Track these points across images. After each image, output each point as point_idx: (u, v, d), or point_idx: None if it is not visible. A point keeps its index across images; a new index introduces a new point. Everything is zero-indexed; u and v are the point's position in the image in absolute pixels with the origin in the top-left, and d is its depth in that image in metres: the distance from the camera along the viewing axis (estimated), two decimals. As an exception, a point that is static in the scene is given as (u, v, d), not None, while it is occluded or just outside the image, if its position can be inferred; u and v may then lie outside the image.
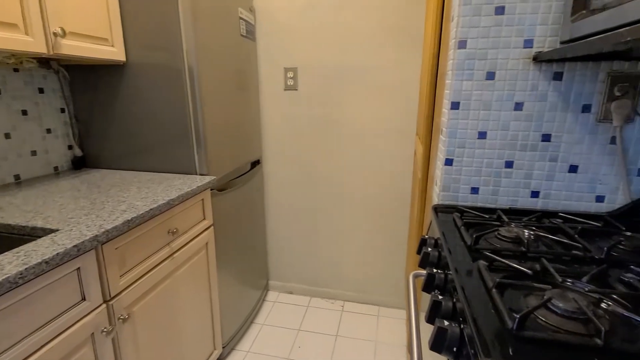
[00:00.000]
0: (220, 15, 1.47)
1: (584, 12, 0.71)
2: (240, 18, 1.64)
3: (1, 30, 0.95)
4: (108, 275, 0.93)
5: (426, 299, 0.83)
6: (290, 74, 1.89)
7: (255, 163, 1.94)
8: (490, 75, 0.89)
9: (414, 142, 1.82)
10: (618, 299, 0.55)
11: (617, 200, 0.89)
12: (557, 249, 0.73)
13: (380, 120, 1.85)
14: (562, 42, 0.78)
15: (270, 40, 1.88)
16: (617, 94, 0.83)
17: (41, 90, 1.40)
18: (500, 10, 0.85)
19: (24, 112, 1.34)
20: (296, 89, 1.91)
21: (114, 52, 1.31)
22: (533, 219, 0.87)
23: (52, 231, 0.89)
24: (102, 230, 0.88)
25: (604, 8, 0.64)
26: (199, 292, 1.37)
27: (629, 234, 0.76)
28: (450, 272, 0.68)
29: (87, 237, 0.84)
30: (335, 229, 2.08)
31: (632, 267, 0.64)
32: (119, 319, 0.96)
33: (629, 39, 0.52)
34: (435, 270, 0.75)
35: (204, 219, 1.39)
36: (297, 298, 2.20)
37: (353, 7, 1.74)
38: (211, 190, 1.42)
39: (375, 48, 1.77)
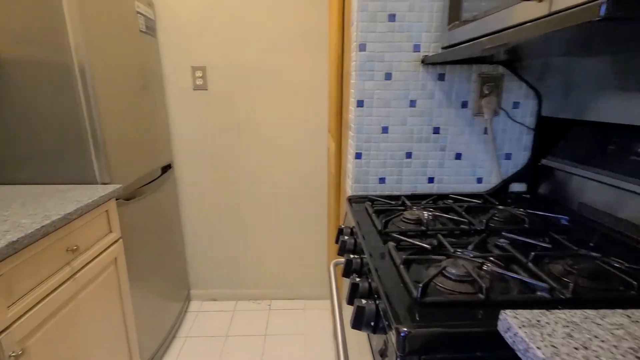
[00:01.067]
0: (114, 8, 1.34)
1: (457, 22, 0.84)
2: (138, 12, 1.52)
3: None
4: (-10, 308, 0.79)
5: (347, 284, 0.90)
6: (198, 73, 1.81)
7: (167, 167, 1.82)
8: (388, 76, 0.99)
9: (327, 139, 1.91)
10: (494, 260, 0.67)
11: (491, 181, 1.07)
12: (449, 225, 0.85)
13: (294, 118, 1.90)
14: (442, 48, 0.91)
15: (174, 37, 1.78)
16: (486, 92, 0.99)
17: None
18: (392, 18, 0.95)
19: None
20: (206, 89, 1.84)
21: (-23, 46, 1.11)
22: (430, 202, 0.99)
23: None
24: (-21, 256, 0.75)
25: (472, 20, 0.76)
26: (109, 314, 1.24)
27: (501, 207, 0.92)
28: (365, 256, 0.75)
29: (-42, 267, 0.71)
30: (257, 229, 2.07)
31: (503, 233, 0.78)
32: (10, 356, 0.82)
33: (488, 46, 0.63)
34: (352, 256, 0.81)
35: (111, 232, 1.26)
36: (222, 304, 2.14)
37: (261, 8, 1.75)
38: (117, 200, 1.30)
39: (286, 49, 1.80)
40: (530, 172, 1.05)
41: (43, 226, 0.92)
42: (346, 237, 0.89)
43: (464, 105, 1.01)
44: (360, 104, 1.01)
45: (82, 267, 1.10)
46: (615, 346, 0.40)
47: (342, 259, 0.86)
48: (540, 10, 0.52)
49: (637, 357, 0.38)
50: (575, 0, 0.45)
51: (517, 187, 1.07)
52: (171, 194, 1.88)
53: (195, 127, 1.90)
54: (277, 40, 1.79)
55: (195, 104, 1.86)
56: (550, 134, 1.00)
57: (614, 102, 0.79)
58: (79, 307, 1.08)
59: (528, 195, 1.05)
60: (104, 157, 1.27)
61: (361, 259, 0.79)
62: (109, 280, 1.24)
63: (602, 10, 0.39)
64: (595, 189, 0.84)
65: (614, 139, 0.81)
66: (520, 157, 1.06)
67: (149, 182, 1.60)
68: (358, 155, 1.05)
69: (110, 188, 1.25)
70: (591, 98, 0.85)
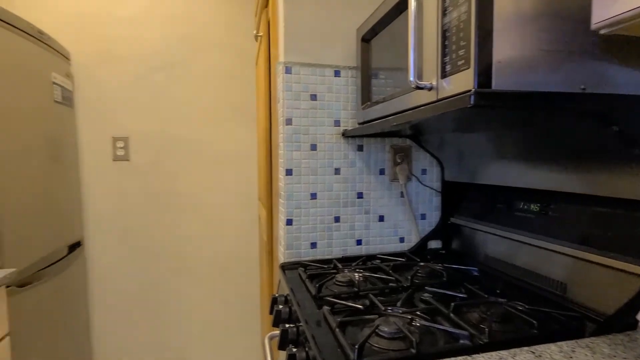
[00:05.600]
0: (27, 78, 1.28)
1: (369, 103, 0.98)
2: (55, 83, 1.46)
3: None
4: None
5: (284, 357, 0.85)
6: (120, 144, 1.75)
7: (75, 245, 1.62)
8: (314, 147, 1.08)
9: (257, 207, 1.92)
10: (421, 314, 0.71)
11: (412, 239, 1.17)
12: (379, 284, 0.89)
13: (220, 188, 1.89)
14: (359, 123, 1.04)
15: (95, 108, 1.72)
16: (398, 160, 1.13)
17: None
18: (314, 97, 1.07)
19: None
20: (128, 160, 1.77)
21: None
22: (360, 263, 1.04)
23: None
24: None
25: (381, 101, 0.90)
26: None
27: (422, 264, 1.00)
28: (301, 324, 0.73)
29: None
30: (183, 309, 1.88)
31: (426, 288, 0.84)
32: None
33: (394, 123, 0.75)
34: (287, 326, 0.79)
35: (-5, 328, 1.04)
36: (136, 406, 1.81)
37: (188, 83, 1.82)
38: (7, 287, 1.10)
39: (213, 121, 1.85)
40: (443, 230, 1.18)
41: None
42: (281, 306, 0.87)
43: (382, 172, 1.14)
44: (289, 172, 1.07)
45: (-50, 379, 0.87)
46: (526, 381, 0.45)
47: (278, 331, 0.82)
48: (430, 97, 0.65)
49: (544, 388, 0.43)
50: (454, 91, 0.57)
51: (434, 244, 1.18)
52: (79, 276, 1.65)
53: (113, 200, 1.77)
54: (204, 114, 1.84)
55: (114, 175, 1.76)
56: (454, 196, 1.15)
57: (495, 168, 0.96)
58: None
59: (444, 251, 1.17)
60: (-3, 238, 1.10)
61: (297, 327, 0.78)
62: (-14, 393, 1.00)
63: (472, 100, 0.51)
64: (495, 242, 0.97)
65: (500, 198, 0.97)
66: (434, 217, 1.18)
67: (53, 264, 1.40)
68: (289, 222, 1.07)
69: (1, 274, 1.06)
70: (478, 165, 1.02)
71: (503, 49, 0.54)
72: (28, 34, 1.30)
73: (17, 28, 1.24)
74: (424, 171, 1.17)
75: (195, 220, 1.87)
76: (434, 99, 0.63)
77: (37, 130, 1.34)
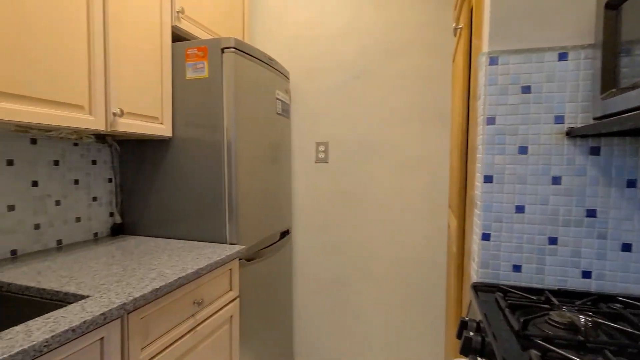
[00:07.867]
0: (259, 96, 1.61)
1: (614, 90, 0.72)
2: (277, 99, 1.79)
3: (70, 111, 1.08)
4: (130, 346, 0.90)
5: (471, 394, 0.73)
6: (321, 148, 1.98)
7: (285, 233, 1.94)
8: (523, 150, 0.89)
9: (447, 215, 1.78)
10: None
11: (684, 284, 0.80)
12: (620, 339, 0.64)
13: (409, 192, 1.85)
14: (594, 119, 0.78)
15: (303, 117, 2.01)
16: (664, 168, 0.79)
17: (94, 162, 1.53)
18: (526, 90, 0.88)
19: (76, 182, 1.45)
20: (327, 162, 1.98)
21: (163, 129, 1.44)
22: (588, 303, 0.78)
23: (82, 297, 0.89)
24: (131, 298, 0.88)
25: (634, 86, 0.64)
26: (218, 371, 1.28)
27: None
28: (498, 363, 0.60)
29: (115, 305, 0.83)
30: (364, 304, 1.96)
31: None
32: (134, 398, 0.90)
33: (668, 115, 0.51)
34: (479, 359, 0.67)
35: (231, 290, 1.36)
36: (323, 384, 2.00)
37: (380, 87, 1.87)
38: (239, 259, 1.41)
39: (402, 124, 1.84)
40: None
41: (180, 277, 1.04)
42: (471, 334, 0.75)
43: (631, 184, 0.82)
44: (488, 179, 0.92)
45: (204, 321, 1.18)
46: None
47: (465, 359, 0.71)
48: None
49: None
50: None
51: None
52: (286, 259, 1.96)
53: (314, 197, 2.02)
54: (395, 116, 1.85)
55: (315, 175, 2.01)
56: None
57: None
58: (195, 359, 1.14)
59: None
60: (235, 220, 1.43)
61: (492, 365, 0.65)
62: (223, 338, 1.30)
63: None
64: None
65: None
66: None
67: (269, 245, 1.72)
68: (485, 236, 0.93)
69: (237, 248, 1.37)
70: None
71: None
72: (263, 61, 1.64)
73: (257, 59, 1.58)
74: None
75: (380, 222, 1.90)
76: None
77: (265, 137, 1.68)
